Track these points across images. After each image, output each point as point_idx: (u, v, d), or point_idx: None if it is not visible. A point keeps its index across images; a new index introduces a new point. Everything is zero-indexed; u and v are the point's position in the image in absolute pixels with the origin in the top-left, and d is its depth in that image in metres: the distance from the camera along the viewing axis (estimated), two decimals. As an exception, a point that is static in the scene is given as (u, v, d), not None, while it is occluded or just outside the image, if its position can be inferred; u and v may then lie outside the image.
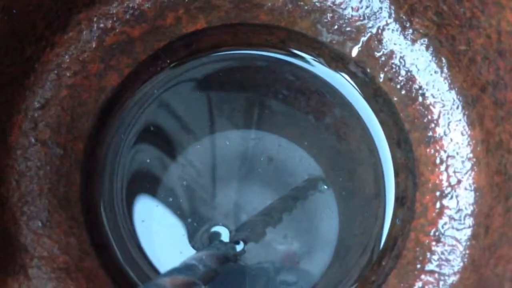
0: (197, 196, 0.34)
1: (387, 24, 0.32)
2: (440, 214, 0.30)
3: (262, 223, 0.34)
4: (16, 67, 0.30)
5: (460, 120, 0.31)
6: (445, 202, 0.30)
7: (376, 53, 0.33)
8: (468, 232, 0.29)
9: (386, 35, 0.32)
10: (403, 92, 0.32)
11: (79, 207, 0.32)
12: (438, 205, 0.31)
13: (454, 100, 0.31)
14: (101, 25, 0.32)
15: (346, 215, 0.34)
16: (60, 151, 0.32)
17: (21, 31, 0.30)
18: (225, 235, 0.34)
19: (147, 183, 0.34)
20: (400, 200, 0.33)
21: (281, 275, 0.33)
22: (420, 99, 0.32)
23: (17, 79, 0.31)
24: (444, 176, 0.31)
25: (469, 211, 0.30)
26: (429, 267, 0.30)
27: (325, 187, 0.34)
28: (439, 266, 0.30)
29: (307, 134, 0.35)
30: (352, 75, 0.34)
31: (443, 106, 0.31)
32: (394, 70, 0.33)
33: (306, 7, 0.33)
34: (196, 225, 0.34)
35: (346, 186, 0.35)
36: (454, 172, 0.31)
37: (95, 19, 0.32)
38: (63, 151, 0.32)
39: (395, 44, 0.32)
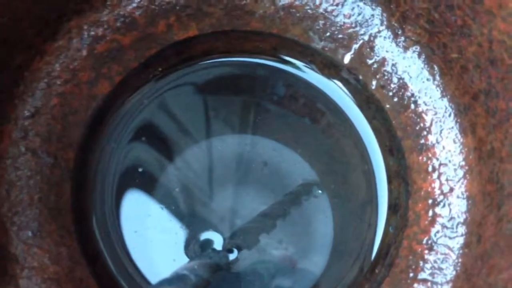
0: (189, 203, 0.34)
1: (379, 32, 0.32)
2: (433, 222, 0.30)
3: (255, 230, 0.34)
4: (5, 76, 0.30)
5: (452, 127, 0.31)
6: (438, 210, 0.30)
7: (368, 60, 0.33)
8: (461, 240, 0.30)
9: (378, 42, 0.32)
10: (395, 99, 0.32)
11: (70, 217, 0.31)
12: (430, 213, 0.31)
13: (446, 108, 0.31)
14: (92, 33, 0.32)
15: (340, 221, 0.34)
16: (50, 160, 0.31)
17: (10, 39, 0.30)
18: (218, 242, 0.33)
19: (138, 191, 0.34)
20: (393, 208, 0.33)
21: (276, 281, 0.33)
22: (413, 106, 0.32)
23: (7, 88, 0.31)
24: (436, 184, 0.31)
25: (461, 220, 0.30)
26: (422, 275, 0.30)
27: (319, 192, 0.34)
28: (431, 274, 0.30)
29: (301, 140, 0.35)
30: (345, 82, 0.34)
31: (435, 113, 0.31)
32: (386, 77, 0.33)
33: (298, 14, 0.33)
34: (189, 233, 0.34)
35: (340, 192, 0.35)
36: (447, 180, 0.31)
37: (85, 27, 0.32)
38: (53, 160, 0.32)
39: (387, 51, 0.32)
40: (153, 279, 0.33)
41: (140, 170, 0.34)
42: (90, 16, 0.32)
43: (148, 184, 0.34)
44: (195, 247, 0.33)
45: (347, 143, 0.35)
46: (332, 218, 0.34)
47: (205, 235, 0.34)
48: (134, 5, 0.32)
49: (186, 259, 0.33)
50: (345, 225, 0.34)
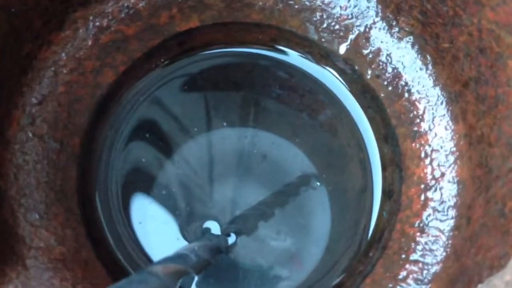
0: (190, 192, 0.35)
1: (374, 23, 0.33)
2: (425, 206, 0.31)
3: (253, 217, 0.34)
4: (14, 64, 0.31)
5: (444, 115, 0.32)
6: (429, 194, 0.31)
7: (363, 50, 0.34)
8: (451, 223, 0.30)
9: (373, 33, 0.33)
10: (390, 88, 0.33)
11: (76, 200, 0.32)
12: (422, 197, 0.31)
13: (438, 96, 0.32)
14: (97, 23, 0.33)
15: (337, 209, 0.35)
16: (57, 146, 0.32)
17: (19, 29, 0.30)
18: (216, 230, 0.34)
19: (141, 177, 0.35)
20: (387, 193, 0.34)
21: (274, 270, 0.34)
22: (406, 95, 0.33)
23: (15, 75, 0.31)
24: (428, 170, 0.32)
25: (452, 203, 0.31)
26: (414, 257, 0.31)
27: (318, 183, 0.35)
28: (423, 255, 0.30)
29: (299, 131, 0.36)
30: (341, 72, 0.35)
31: (428, 101, 0.32)
32: (381, 67, 0.33)
33: (296, 6, 0.34)
34: (189, 221, 0.34)
35: (337, 181, 0.35)
36: (438, 165, 0.31)
37: (91, 18, 0.33)
38: (59, 145, 0.32)
39: (382, 42, 0.33)
40: (155, 259, 0.34)
41: (141, 156, 0.35)
42: (96, 7, 0.33)
43: (150, 169, 0.35)
44: (196, 233, 0.34)
45: (344, 133, 0.36)
46: (329, 209, 0.34)
47: (204, 223, 0.34)
48: (138, -4, 0.33)
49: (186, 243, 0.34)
50: (342, 214, 0.35)
